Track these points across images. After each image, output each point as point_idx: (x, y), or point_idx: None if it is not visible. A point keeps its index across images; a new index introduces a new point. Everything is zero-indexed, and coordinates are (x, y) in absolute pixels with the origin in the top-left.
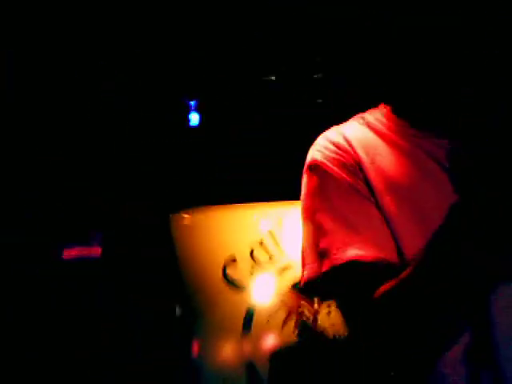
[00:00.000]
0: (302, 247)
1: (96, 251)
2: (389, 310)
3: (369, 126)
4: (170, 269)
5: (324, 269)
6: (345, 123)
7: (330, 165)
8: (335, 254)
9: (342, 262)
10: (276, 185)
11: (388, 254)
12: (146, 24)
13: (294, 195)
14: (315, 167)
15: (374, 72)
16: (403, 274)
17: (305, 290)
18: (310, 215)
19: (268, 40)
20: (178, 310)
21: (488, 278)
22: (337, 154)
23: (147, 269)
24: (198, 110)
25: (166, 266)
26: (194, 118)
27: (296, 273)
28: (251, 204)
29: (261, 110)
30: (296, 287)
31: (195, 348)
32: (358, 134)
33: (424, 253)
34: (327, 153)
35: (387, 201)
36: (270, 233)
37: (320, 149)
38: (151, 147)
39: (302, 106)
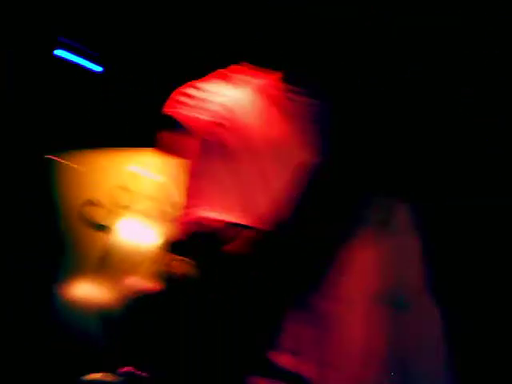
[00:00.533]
0: (168, 202)
1: None
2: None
3: (233, 84)
4: (39, 209)
5: (183, 226)
6: (208, 80)
7: (197, 124)
8: (196, 214)
9: (200, 220)
10: (143, 132)
11: (240, 215)
12: None
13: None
14: (179, 124)
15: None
16: (247, 234)
17: (165, 242)
18: (179, 173)
19: None
20: (41, 249)
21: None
22: (202, 113)
23: (16, 208)
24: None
25: (35, 206)
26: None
27: (158, 220)
28: (119, 149)
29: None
30: (165, 238)
31: (56, 286)
32: (226, 93)
33: (271, 217)
34: (192, 111)
35: (257, 163)
36: (135, 178)
37: (183, 105)
38: (24, 88)
39: (167, 57)
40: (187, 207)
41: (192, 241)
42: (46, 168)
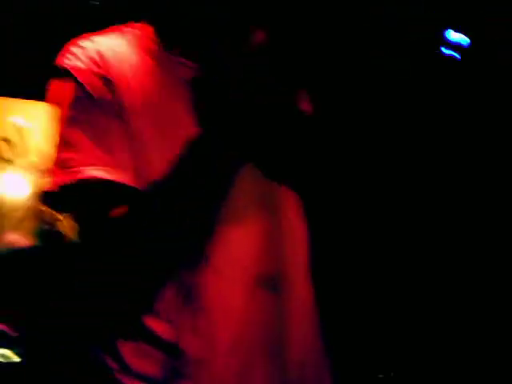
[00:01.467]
0: (51, 156)
1: None
2: (115, 233)
3: (128, 42)
4: None
5: (64, 182)
6: (102, 34)
7: (83, 75)
8: (79, 171)
9: (83, 178)
10: (29, 83)
11: (129, 177)
12: None
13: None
14: (66, 74)
15: None
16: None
17: (44, 198)
18: (61, 125)
19: None
20: None
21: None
22: (90, 64)
23: None
24: None
25: None
26: None
27: (38, 177)
28: (2, 99)
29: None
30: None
31: None
32: (115, 48)
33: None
34: (79, 62)
35: (136, 121)
36: (19, 130)
37: (72, 56)
38: None
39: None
40: (68, 162)
41: (79, 200)
42: None
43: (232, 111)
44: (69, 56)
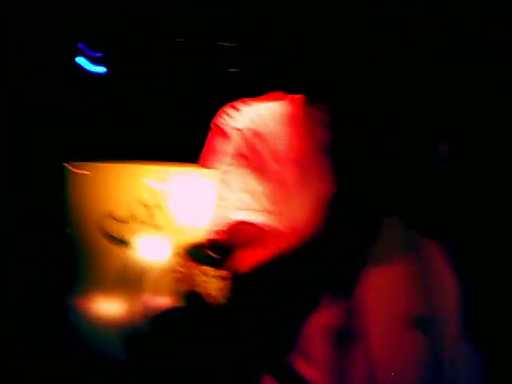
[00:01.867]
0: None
1: None
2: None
3: (278, 105)
4: (58, 218)
5: (221, 229)
6: (255, 98)
7: (240, 134)
8: (228, 215)
9: (235, 222)
10: (170, 146)
11: (277, 222)
12: None
13: (189, 159)
14: (224, 133)
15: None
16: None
17: (195, 253)
18: (215, 180)
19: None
20: (59, 260)
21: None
22: (247, 124)
23: (36, 215)
24: (103, 62)
25: (54, 214)
26: (98, 68)
27: (183, 236)
28: (142, 163)
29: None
30: (187, 251)
31: (74, 301)
32: (267, 110)
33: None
34: (237, 122)
35: (283, 171)
36: (158, 194)
37: (231, 117)
38: (51, 94)
39: (210, 72)
40: (223, 214)
41: (225, 249)
42: (64, 176)
43: (379, 166)
44: (227, 117)
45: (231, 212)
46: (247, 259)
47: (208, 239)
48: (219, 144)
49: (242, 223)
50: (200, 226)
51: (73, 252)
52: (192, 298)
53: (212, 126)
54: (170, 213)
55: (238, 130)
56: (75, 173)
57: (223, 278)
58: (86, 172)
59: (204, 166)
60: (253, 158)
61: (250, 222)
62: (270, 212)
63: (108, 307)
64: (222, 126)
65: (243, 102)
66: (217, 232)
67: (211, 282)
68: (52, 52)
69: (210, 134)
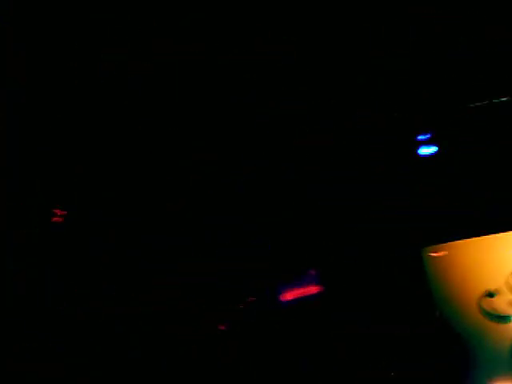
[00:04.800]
0: None
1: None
2: None
3: None
4: (424, 302)
5: None
6: None
7: None
8: None
9: None
10: None
11: None
12: None
13: None
14: None
15: None
16: None
17: None
18: None
19: None
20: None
21: None
22: None
23: (399, 302)
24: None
25: (420, 299)
26: (426, 150)
27: None
28: (506, 233)
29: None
30: None
31: None
32: None
33: None
34: None
35: None
36: None
37: None
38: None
39: None
40: None
41: None
42: (423, 262)
43: None
44: None
45: None
46: None
47: None
48: None
49: None
50: None
51: (448, 335)
52: None
53: None
54: None
55: None
56: (435, 256)
57: None
58: (445, 253)
59: None
60: None
61: None
62: None
63: None
64: None
65: None
66: None
67: None
68: None
69: None
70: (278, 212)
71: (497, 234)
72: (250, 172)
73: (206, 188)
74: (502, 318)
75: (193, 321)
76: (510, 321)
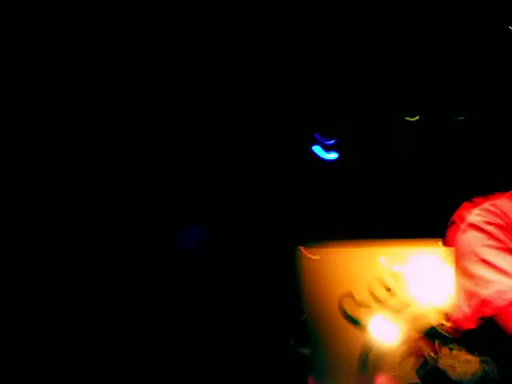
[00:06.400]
0: (458, 294)
1: None
2: None
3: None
4: (289, 299)
5: (487, 314)
6: (494, 197)
7: (490, 227)
8: (497, 299)
9: (504, 304)
10: (405, 224)
11: None
12: None
13: (426, 236)
14: (476, 228)
15: None
16: None
17: (433, 333)
18: (468, 268)
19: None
20: (293, 342)
21: None
22: (493, 220)
23: (266, 298)
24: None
25: (286, 296)
26: (331, 155)
27: (418, 315)
28: (376, 241)
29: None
30: (424, 331)
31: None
32: (507, 205)
33: None
34: (487, 217)
35: None
36: (393, 273)
37: (482, 213)
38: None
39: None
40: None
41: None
42: (296, 259)
43: None
44: (479, 213)
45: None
46: None
47: (453, 319)
48: (462, 239)
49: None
50: (437, 307)
51: (309, 335)
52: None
53: (454, 221)
54: (407, 295)
55: (489, 223)
56: (308, 257)
57: (468, 362)
58: (317, 257)
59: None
60: (499, 243)
61: None
62: None
63: None
64: (474, 221)
65: (481, 199)
66: (476, 310)
67: (457, 366)
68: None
69: (450, 230)
70: None
71: (369, 244)
72: None
73: None
74: (357, 323)
75: None
76: (359, 326)
